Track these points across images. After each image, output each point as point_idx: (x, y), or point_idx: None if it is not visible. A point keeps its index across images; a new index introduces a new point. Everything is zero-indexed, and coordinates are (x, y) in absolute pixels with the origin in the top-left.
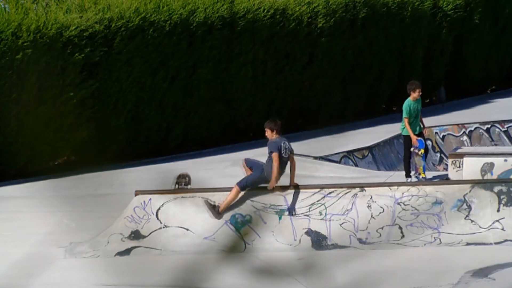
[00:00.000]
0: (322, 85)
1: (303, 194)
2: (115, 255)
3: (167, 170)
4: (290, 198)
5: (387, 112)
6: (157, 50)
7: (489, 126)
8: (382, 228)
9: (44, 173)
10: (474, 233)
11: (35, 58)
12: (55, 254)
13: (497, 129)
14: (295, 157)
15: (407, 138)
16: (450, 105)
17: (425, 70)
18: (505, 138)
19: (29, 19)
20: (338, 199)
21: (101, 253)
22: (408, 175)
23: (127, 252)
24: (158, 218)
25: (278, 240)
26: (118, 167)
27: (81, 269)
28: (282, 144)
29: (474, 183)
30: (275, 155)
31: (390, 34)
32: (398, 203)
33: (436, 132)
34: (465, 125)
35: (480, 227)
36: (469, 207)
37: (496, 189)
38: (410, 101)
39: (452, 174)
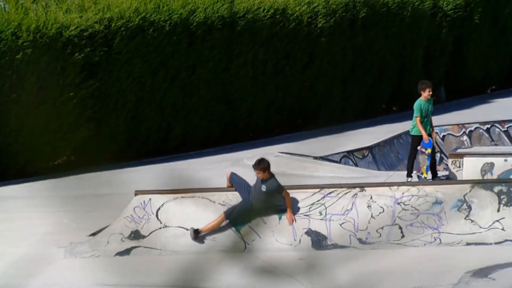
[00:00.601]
0: (322, 85)
1: (303, 194)
2: (115, 255)
3: (167, 170)
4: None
5: (387, 112)
6: (157, 50)
7: (489, 126)
8: (382, 228)
9: (44, 173)
10: (474, 233)
11: (35, 58)
12: (55, 254)
13: (497, 129)
14: (295, 158)
15: (416, 138)
16: (450, 105)
17: (425, 70)
18: (505, 138)
19: (29, 19)
20: (338, 199)
21: (101, 253)
22: (409, 174)
23: (127, 252)
24: (158, 218)
25: (278, 240)
26: (118, 167)
27: (81, 269)
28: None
29: (474, 183)
30: (287, 193)
31: (390, 34)
32: (398, 203)
33: (436, 132)
34: (465, 125)
35: (480, 227)
36: (469, 207)
37: (496, 189)
38: (422, 101)
39: (452, 174)
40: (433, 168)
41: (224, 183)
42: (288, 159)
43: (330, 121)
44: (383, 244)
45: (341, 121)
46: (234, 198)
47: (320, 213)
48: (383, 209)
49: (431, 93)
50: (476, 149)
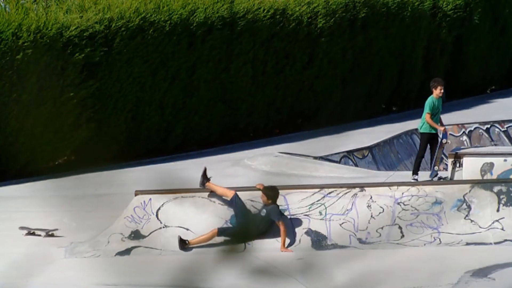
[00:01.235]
0: (322, 85)
1: (303, 194)
2: (115, 255)
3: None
4: (290, 198)
5: (387, 112)
6: (157, 50)
7: (489, 126)
8: (382, 228)
9: (44, 173)
10: (474, 233)
11: (35, 58)
12: (55, 254)
13: (497, 129)
14: (295, 158)
15: (425, 135)
16: (450, 105)
17: (425, 70)
18: (505, 138)
19: (29, 19)
20: (338, 199)
21: (101, 253)
22: (415, 173)
23: (127, 252)
24: (158, 218)
25: (278, 240)
26: (118, 167)
27: (81, 269)
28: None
29: (474, 183)
30: (283, 224)
31: (390, 34)
32: (398, 203)
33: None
34: (465, 125)
35: (480, 227)
36: (469, 207)
37: (496, 189)
38: (433, 98)
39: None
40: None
41: (224, 183)
42: (288, 159)
43: (330, 121)
44: (383, 244)
45: (341, 121)
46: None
47: (320, 213)
48: (383, 209)
49: (442, 91)
50: (476, 149)
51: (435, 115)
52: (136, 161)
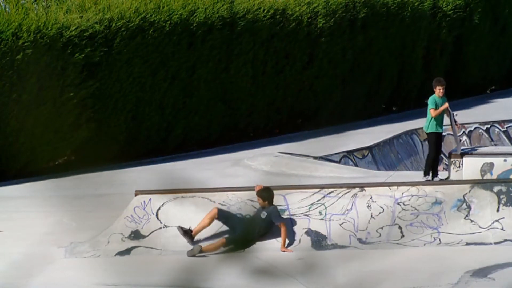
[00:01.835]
0: (322, 85)
1: (303, 194)
2: (115, 255)
3: (167, 170)
4: (290, 198)
5: (387, 112)
6: (157, 50)
7: (488, 126)
8: (382, 228)
9: (44, 173)
10: (473, 233)
11: (36, 58)
12: (55, 254)
13: (496, 129)
14: (295, 158)
15: (432, 135)
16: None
17: (425, 70)
18: (505, 138)
19: (29, 19)
20: (338, 199)
21: (101, 253)
22: (427, 173)
23: (127, 252)
24: (158, 218)
25: (278, 240)
26: (118, 167)
27: (81, 269)
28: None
29: (474, 183)
30: (284, 225)
31: (390, 34)
32: (398, 203)
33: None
34: (465, 125)
35: (480, 227)
36: (469, 207)
37: (496, 189)
38: (436, 96)
39: (452, 174)
40: (435, 168)
41: (224, 183)
42: (288, 159)
43: (330, 121)
44: (383, 244)
45: (341, 121)
46: (234, 198)
47: (320, 213)
48: (383, 209)
49: (441, 90)
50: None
51: (439, 115)
52: (136, 161)
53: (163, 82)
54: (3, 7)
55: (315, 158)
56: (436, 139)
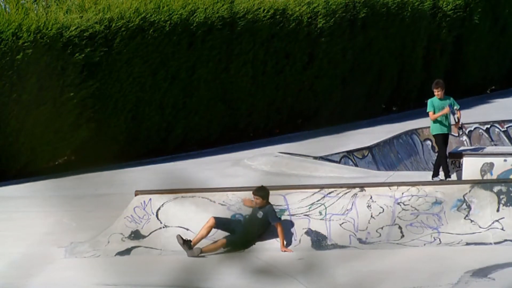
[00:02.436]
0: (322, 85)
1: (303, 194)
2: (115, 255)
3: (167, 170)
4: (290, 198)
5: (387, 112)
6: (157, 50)
7: (488, 126)
8: (382, 228)
9: (44, 173)
10: (473, 233)
11: (36, 58)
12: (55, 254)
13: (496, 129)
14: (295, 158)
15: (439, 137)
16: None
17: (425, 70)
18: (505, 138)
19: (30, 19)
20: (338, 199)
21: (101, 253)
22: (448, 175)
23: (127, 252)
24: (158, 218)
25: (278, 240)
26: (118, 167)
27: (81, 269)
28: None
29: (474, 183)
30: (280, 225)
31: (390, 34)
32: (398, 203)
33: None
34: (465, 125)
35: (480, 227)
36: (469, 207)
37: (496, 189)
38: (434, 98)
39: (452, 174)
40: (436, 168)
41: (224, 183)
42: (288, 159)
43: (330, 121)
44: (383, 244)
45: (341, 121)
46: (234, 198)
47: (320, 213)
48: (383, 209)
49: (438, 92)
50: (475, 149)
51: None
52: (136, 161)
53: (163, 82)
54: (3, 7)
55: (315, 158)
56: (442, 139)
